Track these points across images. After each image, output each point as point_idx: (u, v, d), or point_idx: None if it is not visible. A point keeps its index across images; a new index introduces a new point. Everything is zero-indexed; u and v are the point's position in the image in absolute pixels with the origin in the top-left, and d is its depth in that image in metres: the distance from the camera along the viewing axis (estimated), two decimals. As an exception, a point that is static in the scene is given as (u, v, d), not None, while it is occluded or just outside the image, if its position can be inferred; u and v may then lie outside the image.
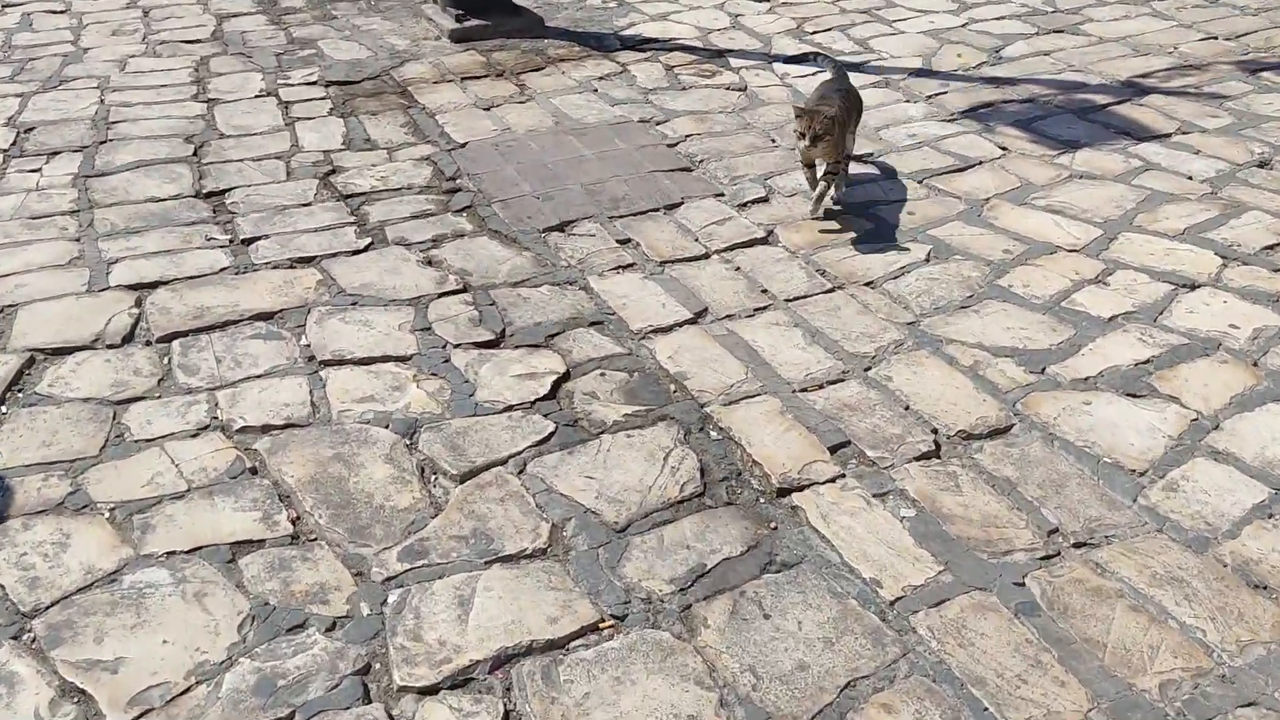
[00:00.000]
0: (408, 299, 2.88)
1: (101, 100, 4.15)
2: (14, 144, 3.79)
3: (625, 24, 4.97)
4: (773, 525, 2.11)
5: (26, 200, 3.40)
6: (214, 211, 3.35)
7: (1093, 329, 2.67)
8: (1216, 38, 4.59)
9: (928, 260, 3.01)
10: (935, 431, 2.34)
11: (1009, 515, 2.11)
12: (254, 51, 4.64)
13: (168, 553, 2.05)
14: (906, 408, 2.42)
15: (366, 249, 3.14)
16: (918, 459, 2.26)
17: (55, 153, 3.72)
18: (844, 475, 2.23)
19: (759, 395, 2.48)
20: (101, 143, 3.79)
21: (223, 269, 3.02)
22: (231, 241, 3.17)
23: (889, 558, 2.02)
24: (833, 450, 2.30)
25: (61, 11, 5.16)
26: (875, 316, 2.76)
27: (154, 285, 2.93)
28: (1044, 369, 2.53)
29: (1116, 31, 4.68)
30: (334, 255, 3.09)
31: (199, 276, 2.98)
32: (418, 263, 3.06)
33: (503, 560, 2.03)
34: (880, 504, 2.15)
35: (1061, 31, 4.71)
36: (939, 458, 2.27)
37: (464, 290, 2.92)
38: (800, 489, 2.19)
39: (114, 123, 3.95)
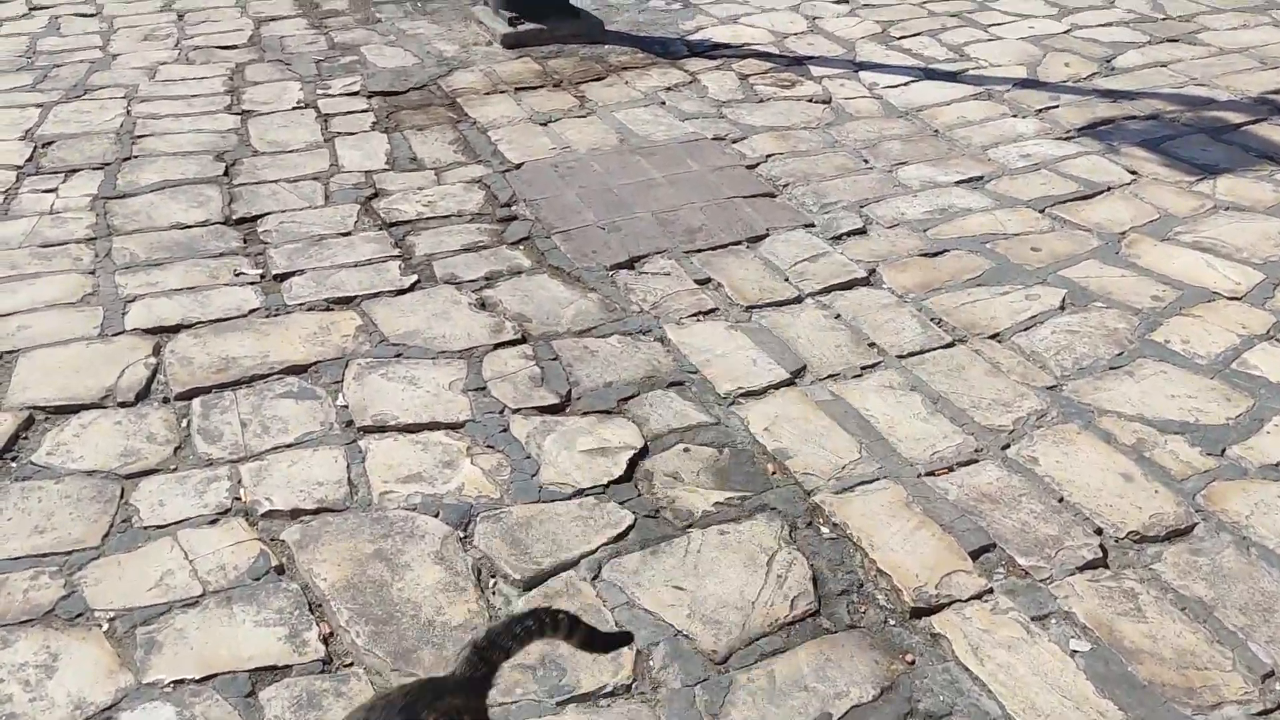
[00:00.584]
0: (459, 350, 2.51)
1: (128, 111, 3.82)
2: (30, 160, 3.46)
3: (692, 27, 4.58)
4: (909, 658, 1.71)
5: (39, 225, 3.07)
6: (244, 241, 3.00)
7: (1275, 399, 2.24)
8: (1353, 45, 4.12)
9: (1063, 308, 2.59)
10: (1100, 532, 1.93)
11: (1209, 651, 1.70)
12: (292, 58, 4.30)
13: (175, 681, 1.68)
14: (1060, 499, 2.01)
15: (412, 288, 2.77)
16: (1083, 569, 1.85)
17: (74, 170, 3.39)
18: (992, 591, 1.82)
19: (877, 480, 2.08)
20: (125, 160, 3.46)
21: (252, 311, 2.66)
22: (263, 277, 2.82)
23: (1064, 710, 1.61)
24: (974, 555, 1.89)
25: (91, 15, 4.85)
26: (1008, 378, 2.35)
27: (175, 329, 2.58)
28: (1224, 450, 2.11)
29: (1236, 42, 4.21)
30: (375, 295, 2.73)
31: (225, 319, 2.62)
32: (470, 305, 2.68)
33: (579, 700, 1.65)
34: (1043, 632, 1.74)
35: (1176, 41, 4.24)
36: (1108, 568, 1.86)
37: (523, 340, 2.54)
38: (939, 609, 1.79)
39: (140, 137, 3.62)
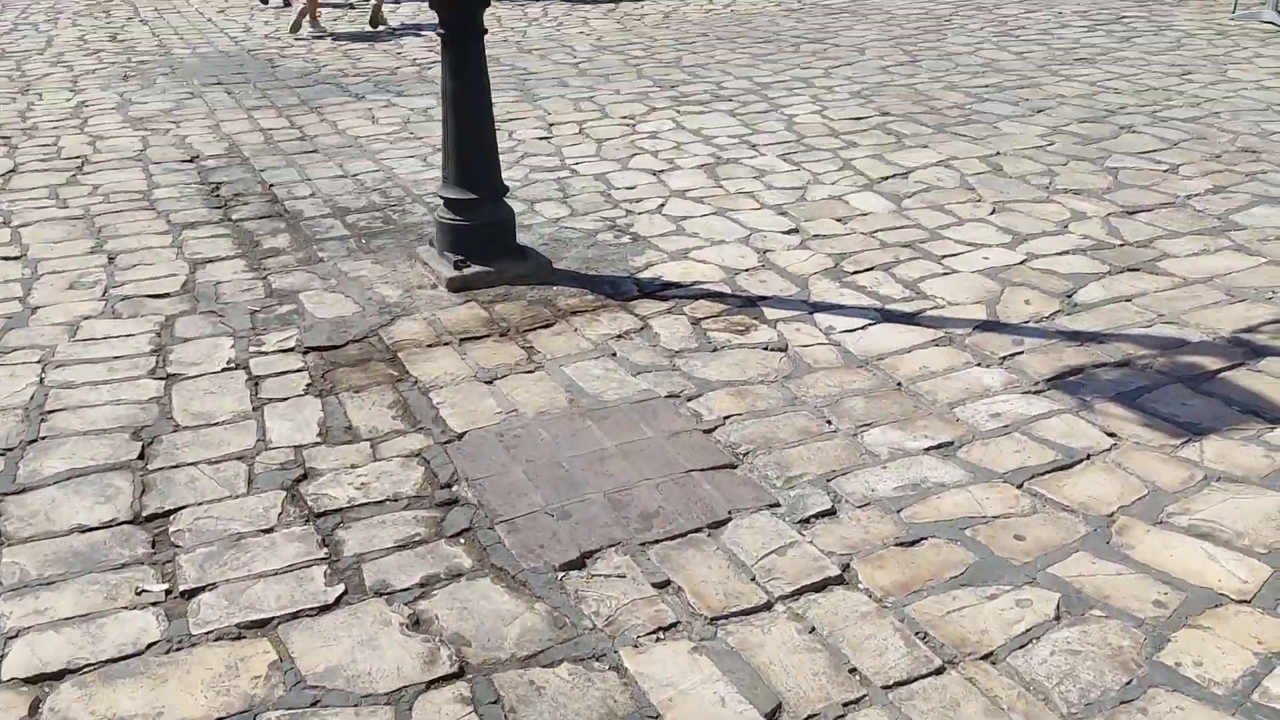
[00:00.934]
0: (386, 693, 2.19)
1: (41, 379, 3.56)
2: (-74, 446, 3.18)
3: (642, 264, 4.47)
4: None
5: (-77, 533, 2.76)
6: (153, 545, 2.70)
7: (1312, 746, 1.99)
8: (1315, 277, 4.07)
9: (1059, 618, 2.34)
10: None
11: None
12: (227, 309, 4.10)
13: None
14: None
15: (338, 602, 2.47)
16: None
17: (-28, 458, 3.12)
18: None
19: None
20: (31, 442, 3.18)
21: (151, 645, 2.34)
22: (169, 593, 2.51)
23: None
24: None
25: (15, 258, 4.64)
26: (1010, 719, 2.08)
27: (59, 675, 2.26)
28: (1264, 822, 1.84)
29: (1199, 270, 4.17)
30: (295, 616, 2.43)
31: (119, 659, 2.30)
32: (401, 627, 2.39)
33: None
34: None
35: (1137, 270, 4.19)
36: None
37: (460, 674, 2.24)
38: None
39: (51, 412, 3.35)
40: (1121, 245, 4.44)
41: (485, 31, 4.24)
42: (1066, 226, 4.67)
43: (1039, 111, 6.56)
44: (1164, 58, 7.97)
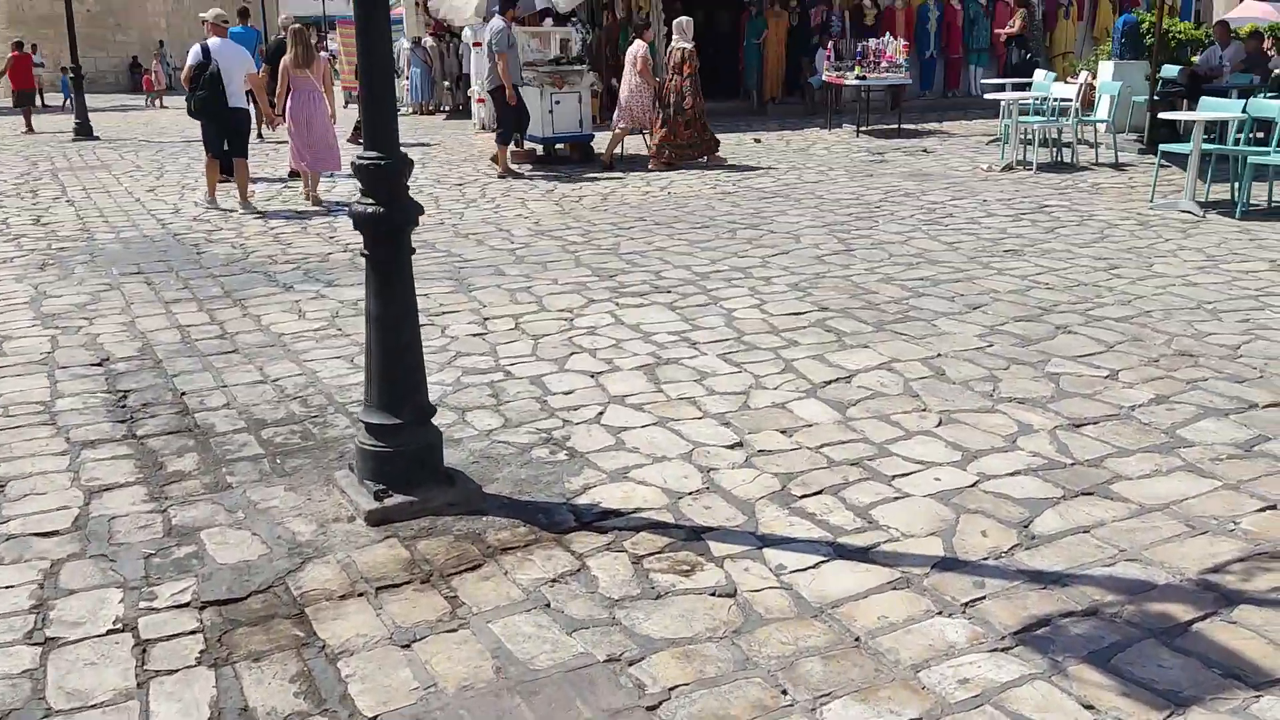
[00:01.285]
0: None
1: (-105, 649, 3.15)
2: None
3: (579, 486, 4.21)
4: None
5: None
6: None
7: None
8: (1278, 507, 3.92)
9: None
10: None
11: None
12: (119, 552, 3.72)
13: None
14: None
15: None
16: None
17: None
18: None
19: None
20: None
21: None
22: None
23: None
24: None
25: (-108, 490, 4.27)
26: None
27: None
28: None
29: (1154, 495, 4.01)
30: None
31: None
32: None
33: None
34: None
35: (1091, 494, 4.02)
36: None
37: None
38: None
39: (-101, 694, 2.94)
40: (1072, 465, 4.28)
41: (413, 252, 4.08)
42: (1015, 442, 4.52)
43: (975, 308, 6.56)
44: (1090, 250, 8.14)
